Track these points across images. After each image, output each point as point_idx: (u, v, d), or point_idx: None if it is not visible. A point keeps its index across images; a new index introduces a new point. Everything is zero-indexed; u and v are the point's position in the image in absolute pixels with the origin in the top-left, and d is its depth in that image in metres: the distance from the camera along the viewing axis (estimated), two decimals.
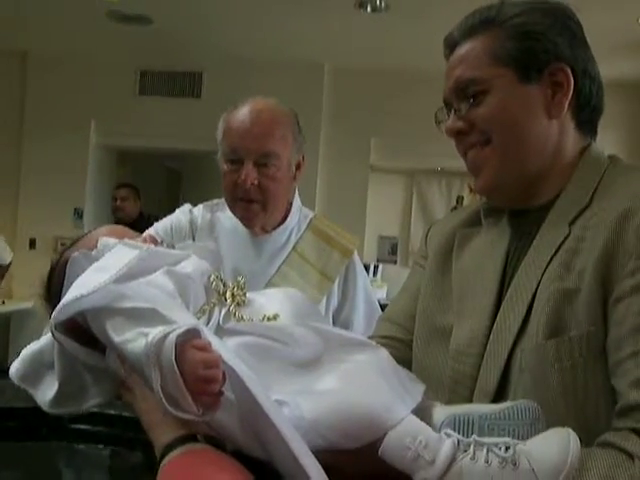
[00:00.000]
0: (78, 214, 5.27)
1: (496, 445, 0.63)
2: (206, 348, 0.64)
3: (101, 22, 4.34)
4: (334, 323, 1.56)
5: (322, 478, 0.59)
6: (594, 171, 0.84)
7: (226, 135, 1.43)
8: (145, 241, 0.86)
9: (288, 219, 1.54)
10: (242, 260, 1.49)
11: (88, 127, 5.21)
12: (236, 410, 0.65)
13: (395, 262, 5.31)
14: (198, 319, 0.74)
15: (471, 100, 0.85)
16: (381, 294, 4.50)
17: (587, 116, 0.88)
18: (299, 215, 1.57)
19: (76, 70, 5.09)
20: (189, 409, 0.62)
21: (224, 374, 0.63)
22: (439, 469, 0.62)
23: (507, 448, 0.63)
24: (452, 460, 0.63)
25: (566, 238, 0.79)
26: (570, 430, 0.64)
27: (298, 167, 1.50)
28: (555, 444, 0.63)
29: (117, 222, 4.74)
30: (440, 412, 0.72)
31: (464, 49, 0.87)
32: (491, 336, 0.81)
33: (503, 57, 0.84)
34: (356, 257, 1.58)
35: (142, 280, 0.74)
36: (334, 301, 1.55)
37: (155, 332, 0.63)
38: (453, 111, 0.88)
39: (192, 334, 0.64)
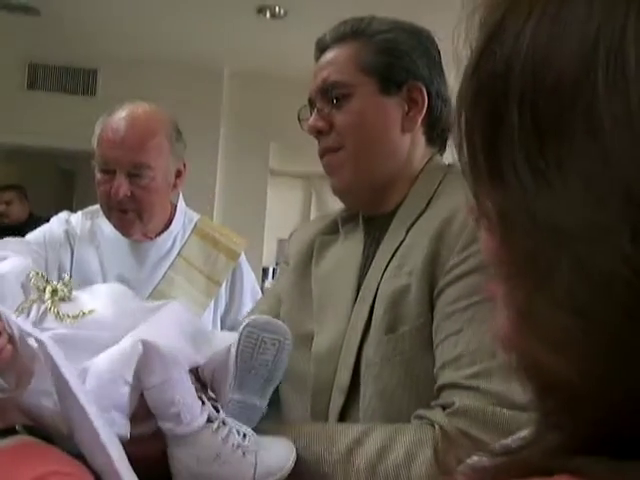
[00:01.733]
0: None
1: (239, 430, 0.73)
2: None
3: None
4: (222, 325, 1.58)
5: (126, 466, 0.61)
6: (433, 179, 0.91)
7: (99, 143, 1.39)
8: None
9: (172, 224, 1.52)
10: (126, 268, 1.47)
11: None
12: (53, 396, 0.65)
13: None
14: (17, 317, 0.73)
15: (334, 101, 0.89)
16: None
17: (437, 133, 0.95)
18: (184, 219, 1.56)
19: None
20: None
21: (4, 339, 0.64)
22: (188, 430, 0.70)
23: (245, 436, 0.73)
24: (202, 427, 0.71)
25: (401, 243, 0.86)
26: (294, 447, 0.74)
27: (179, 175, 1.48)
28: (280, 454, 0.73)
29: (2, 230, 4.44)
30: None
31: (333, 53, 0.92)
32: (345, 339, 0.86)
33: (368, 67, 0.89)
34: (243, 259, 1.59)
35: None
36: (222, 304, 1.57)
37: None
38: (316, 110, 0.92)
39: None
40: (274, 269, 5.00)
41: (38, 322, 0.74)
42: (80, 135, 4.66)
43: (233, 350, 0.77)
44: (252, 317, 0.81)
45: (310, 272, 0.99)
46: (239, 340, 0.77)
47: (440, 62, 0.95)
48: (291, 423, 0.79)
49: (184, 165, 1.49)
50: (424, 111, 0.91)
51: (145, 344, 0.70)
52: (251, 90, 5.01)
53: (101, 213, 1.49)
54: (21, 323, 0.67)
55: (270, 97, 4.96)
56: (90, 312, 0.77)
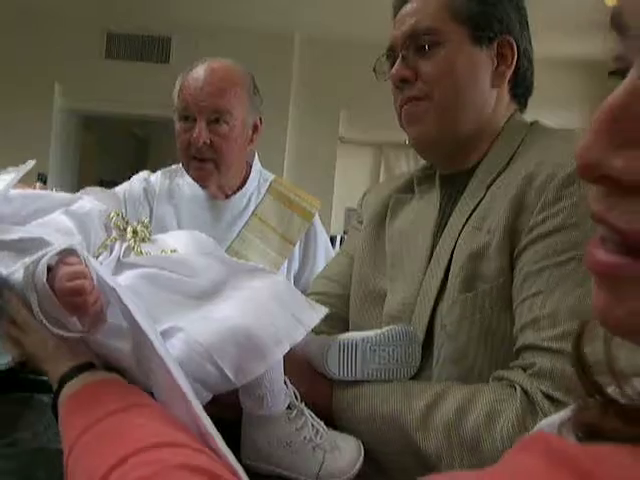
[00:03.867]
0: (42, 180, 5.16)
1: (313, 424, 0.72)
2: (74, 263, 0.63)
3: None
4: (295, 285, 1.58)
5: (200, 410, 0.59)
6: (514, 137, 0.87)
7: (180, 93, 1.42)
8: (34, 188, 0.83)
9: (247, 183, 1.53)
10: (202, 226, 1.48)
11: (52, 90, 5.07)
12: (130, 339, 0.64)
13: None
14: (100, 254, 0.74)
15: (426, 48, 0.86)
16: None
17: (521, 91, 0.91)
18: (259, 179, 1.57)
19: (40, 29, 4.93)
20: (73, 327, 0.62)
21: (98, 288, 0.63)
22: (267, 413, 0.71)
23: (318, 432, 0.72)
24: (280, 412, 0.71)
25: (481, 200, 0.83)
26: (362, 452, 0.73)
27: (255, 129, 1.49)
28: (347, 460, 0.72)
29: None
30: (329, 339, 0.78)
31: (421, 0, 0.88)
32: (418, 298, 0.84)
33: (461, 15, 0.85)
34: (317, 220, 1.59)
35: (39, 221, 0.73)
36: (295, 264, 1.57)
37: (34, 257, 0.63)
38: (400, 58, 0.88)
39: (67, 253, 0.63)
40: (342, 238, 5.00)
41: (122, 257, 0.74)
42: (154, 102, 4.78)
43: (383, 330, 0.78)
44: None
45: (384, 230, 0.97)
46: (395, 328, 0.78)
47: (527, 19, 0.91)
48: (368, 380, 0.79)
49: (260, 120, 1.50)
50: (513, 67, 0.87)
51: (247, 334, 0.66)
52: (322, 56, 4.97)
53: (180, 172, 1.53)
54: (99, 268, 0.66)
55: (341, 64, 4.90)
56: (172, 252, 0.76)
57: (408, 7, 0.89)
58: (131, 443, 0.49)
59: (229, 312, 0.69)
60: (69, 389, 0.60)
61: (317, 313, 0.74)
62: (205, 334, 0.66)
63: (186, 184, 1.52)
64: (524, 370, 0.71)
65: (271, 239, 1.53)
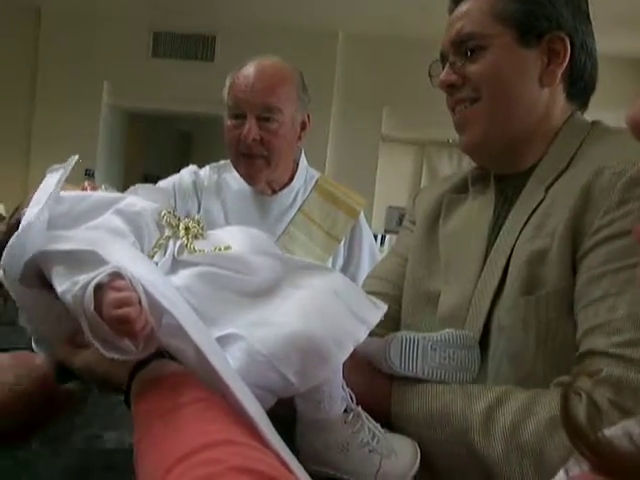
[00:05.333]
0: (89, 174, 5.28)
1: (370, 428, 0.71)
2: (121, 288, 0.61)
3: None
4: None
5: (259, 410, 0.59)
6: (575, 137, 0.85)
7: (230, 90, 1.44)
8: (84, 189, 0.81)
9: (294, 180, 1.55)
10: (249, 221, 1.49)
11: (101, 87, 5.20)
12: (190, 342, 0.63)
13: None
14: (154, 254, 0.73)
15: (468, 54, 0.86)
16: None
17: (579, 89, 0.88)
18: (305, 176, 1.58)
19: (90, 28, 5.06)
20: (127, 349, 0.61)
21: (146, 313, 0.61)
22: (323, 417, 0.71)
23: (374, 436, 0.71)
24: (337, 416, 0.71)
25: (541, 202, 0.81)
26: (418, 456, 0.73)
27: (303, 127, 1.50)
28: (403, 464, 0.71)
29: None
30: (389, 336, 0.78)
31: (469, 4, 0.88)
32: (473, 300, 0.83)
33: (506, 17, 0.84)
34: (362, 218, 1.59)
35: (91, 224, 0.73)
36: (340, 260, 1.58)
37: (82, 280, 0.62)
38: (448, 64, 0.89)
39: (115, 276, 0.62)
40: (382, 236, 4.98)
41: (177, 255, 0.74)
42: (198, 99, 4.83)
43: (447, 333, 0.78)
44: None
45: (437, 230, 0.96)
46: (457, 332, 0.79)
47: (587, 11, 0.88)
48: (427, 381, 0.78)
49: (308, 117, 1.51)
50: (565, 64, 0.85)
51: (309, 338, 0.65)
52: (365, 53, 4.96)
53: (228, 168, 1.54)
54: (150, 284, 0.64)
55: (385, 61, 4.89)
56: (226, 248, 0.75)
57: (457, 11, 0.89)
58: (191, 440, 0.50)
59: (289, 316, 0.68)
60: (138, 380, 0.61)
61: (378, 310, 0.74)
62: (266, 342, 0.65)
63: (234, 179, 1.54)
64: (589, 376, 0.69)
65: (316, 235, 1.54)
